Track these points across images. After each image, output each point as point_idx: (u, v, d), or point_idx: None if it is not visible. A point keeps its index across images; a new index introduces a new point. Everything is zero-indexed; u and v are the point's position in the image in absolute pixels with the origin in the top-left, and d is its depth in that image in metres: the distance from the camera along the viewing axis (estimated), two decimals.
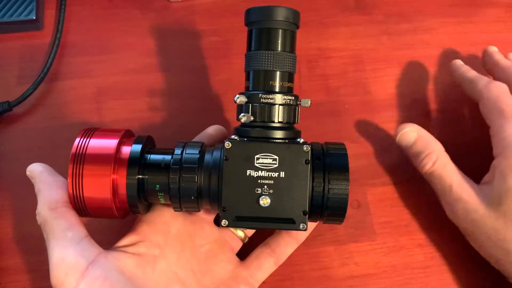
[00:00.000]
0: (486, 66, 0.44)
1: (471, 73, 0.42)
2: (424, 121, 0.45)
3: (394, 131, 0.41)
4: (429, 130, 0.40)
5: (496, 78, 0.43)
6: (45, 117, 0.45)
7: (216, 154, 0.34)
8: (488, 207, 0.36)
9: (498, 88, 0.39)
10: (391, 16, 0.50)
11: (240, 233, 0.39)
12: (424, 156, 0.39)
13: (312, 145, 0.34)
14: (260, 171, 0.32)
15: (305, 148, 0.32)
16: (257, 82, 0.34)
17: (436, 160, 0.38)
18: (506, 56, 0.44)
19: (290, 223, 0.32)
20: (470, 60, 0.48)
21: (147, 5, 0.51)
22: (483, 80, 0.40)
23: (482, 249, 0.37)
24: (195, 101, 0.46)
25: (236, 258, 0.39)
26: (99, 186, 0.33)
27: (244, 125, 0.34)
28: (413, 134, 0.40)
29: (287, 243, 0.38)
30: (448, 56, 0.49)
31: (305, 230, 0.32)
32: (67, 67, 0.48)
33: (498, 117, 0.38)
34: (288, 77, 0.34)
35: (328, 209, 0.33)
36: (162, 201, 0.34)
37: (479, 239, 0.37)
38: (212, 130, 0.40)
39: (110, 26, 0.50)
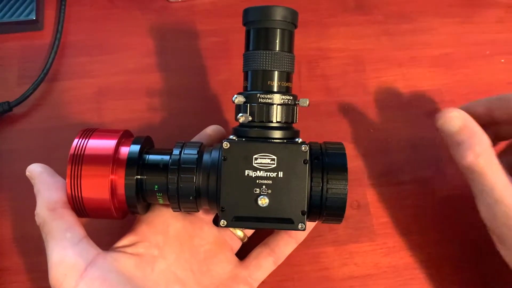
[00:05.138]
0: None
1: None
2: (424, 121, 0.45)
3: (437, 115, 0.36)
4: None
5: None
6: (45, 117, 0.45)
7: (215, 154, 0.34)
8: None
9: None
10: (391, 16, 0.50)
11: (239, 233, 0.39)
12: (466, 146, 0.34)
13: (310, 145, 0.34)
14: (258, 171, 0.32)
15: (303, 148, 0.32)
16: (255, 82, 0.34)
17: (480, 154, 0.34)
18: None
19: (289, 223, 0.32)
20: (469, 61, 0.48)
21: (147, 5, 0.51)
22: None
23: None
24: (194, 101, 0.46)
25: (235, 258, 0.39)
26: (98, 186, 0.33)
27: (242, 125, 0.34)
28: (458, 121, 0.35)
29: (286, 243, 0.38)
30: (448, 56, 0.48)
31: (304, 230, 0.32)
32: (67, 67, 0.48)
33: None
34: (286, 77, 0.34)
35: (327, 209, 0.33)
36: (161, 201, 0.34)
37: None
38: (211, 130, 0.40)
39: (110, 26, 0.50)
